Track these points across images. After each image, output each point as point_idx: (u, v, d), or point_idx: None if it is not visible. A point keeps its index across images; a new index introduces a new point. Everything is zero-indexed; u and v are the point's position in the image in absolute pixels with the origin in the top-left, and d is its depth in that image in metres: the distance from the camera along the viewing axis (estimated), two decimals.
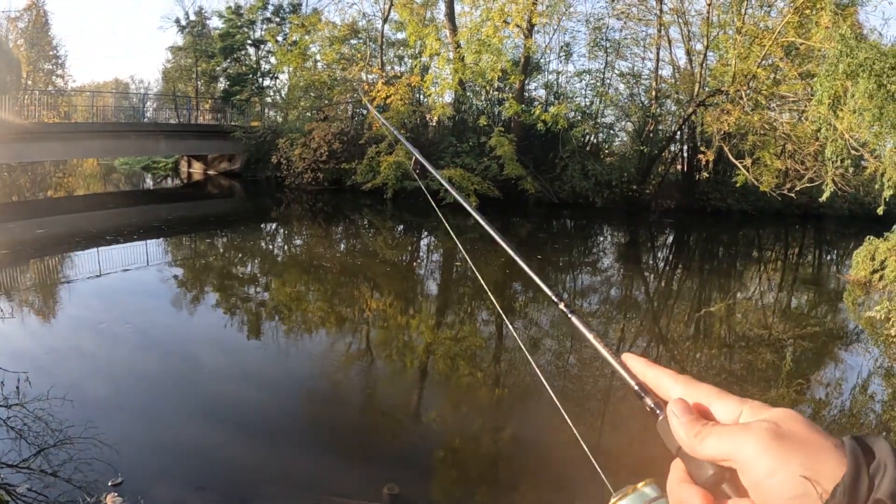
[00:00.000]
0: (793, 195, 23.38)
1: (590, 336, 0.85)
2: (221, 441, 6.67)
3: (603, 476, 0.79)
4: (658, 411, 0.72)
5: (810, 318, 13.42)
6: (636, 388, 0.75)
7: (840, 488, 0.56)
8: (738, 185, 25.57)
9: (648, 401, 0.74)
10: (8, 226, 20.92)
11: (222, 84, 45.50)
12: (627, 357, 0.78)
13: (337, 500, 5.58)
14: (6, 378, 7.37)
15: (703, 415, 0.69)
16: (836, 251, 24.24)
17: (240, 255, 18.66)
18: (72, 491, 5.33)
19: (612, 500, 0.73)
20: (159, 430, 6.82)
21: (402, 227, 25.22)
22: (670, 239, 25.73)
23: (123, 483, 5.47)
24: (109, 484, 5.43)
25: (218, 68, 45.08)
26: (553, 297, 0.95)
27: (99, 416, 6.77)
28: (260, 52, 44.44)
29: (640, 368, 0.77)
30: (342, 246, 20.80)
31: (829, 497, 0.56)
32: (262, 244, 21.00)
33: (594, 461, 0.87)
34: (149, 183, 41.06)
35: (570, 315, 0.91)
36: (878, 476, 0.57)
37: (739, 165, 24.85)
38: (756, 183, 24.30)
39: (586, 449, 0.83)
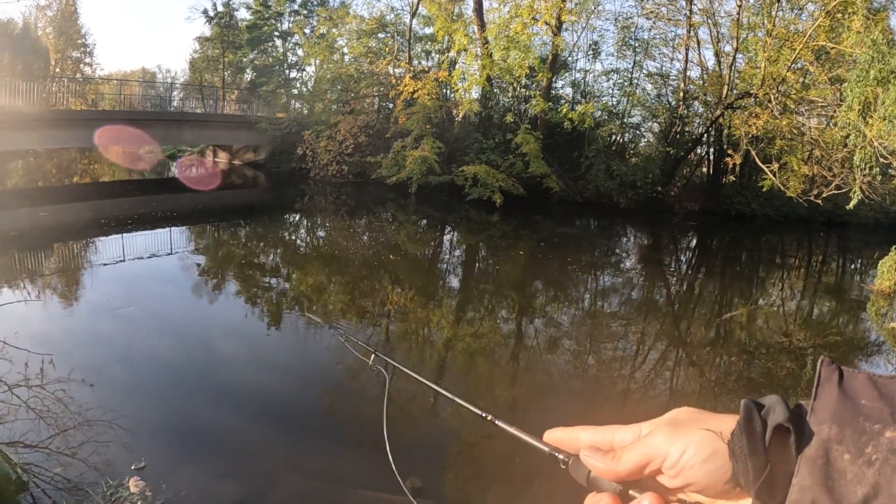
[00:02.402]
0: (819, 202, 23.15)
1: (515, 432, 1.03)
2: (243, 429, 6.72)
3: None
4: (566, 460, 0.87)
5: (832, 327, 13.26)
6: (548, 451, 0.91)
7: (737, 428, 0.70)
8: (764, 189, 25.28)
9: (560, 456, 0.88)
10: (34, 210, 21.16)
11: (249, 75, 45.79)
12: (549, 433, 0.93)
13: (358, 492, 5.59)
14: (31, 359, 7.45)
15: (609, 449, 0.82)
16: (860, 260, 23.89)
17: (262, 245, 18.77)
18: (93, 473, 5.34)
19: None
20: (181, 416, 6.89)
21: (425, 221, 25.22)
22: (693, 242, 25.52)
23: (146, 467, 5.49)
24: (132, 468, 5.45)
25: (245, 59, 45.39)
26: (478, 412, 1.18)
27: (120, 400, 6.84)
28: (287, 45, 44.64)
29: (558, 435, 0.91)
30: (364, 239, 20.85)
31: (731, 438, 0.70)
32: (285, 235, 21.11)
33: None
34: (174, 171, 41.27)
35: (497, 422, 1.11)
36: (770, 414, 0.69)
37: (766, 170, 24.60)
38: (783, 188, 24.04)
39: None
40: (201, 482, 5.44)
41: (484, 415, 1.22)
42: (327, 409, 7.44)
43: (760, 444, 0.68)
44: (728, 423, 0.73)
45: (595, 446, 0.83)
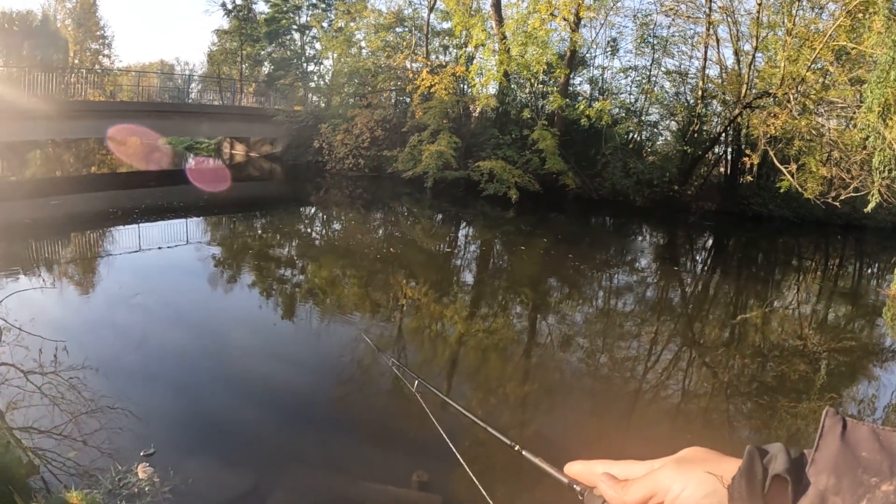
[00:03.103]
0: (836, 204, 22.86)
1: (539, 463, 1.20)
2: (252, 420, 6.80)
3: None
4: (582, 492, 0.97)
5: (847, 331, 13.16)
6: (567, 482, 1.01)
7: (738, 474, 0.74)
8: (781, 190, 24.95)
9: (577, 487, 0.98)
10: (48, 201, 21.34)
11: (266, 68, 45.99)
12: (569, 465, 1.02)
13: (365, 484, 5.62)
14: (45, 346, 7.55)
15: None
16: (876, 264, 23.60)
17: (277, 237, 18.89)
18: (103, 459, 5.44)
19: None
20: (191, 405, 6.99)
21: (440, 216, 25.24)
22: (709, 242, 25.36)
23: (155, 454, 5.59)
24: (142, 454, 5.55)
25: (263, 52, 45.57)
26: (507, 441, 1.40)
27: (132, 387, 6.96)
28: (305, 38, 44.66)
29: (577, 468, 0.99)
30: (380, 233, 20.90)
31: (731, 483, 0.74)
32: (300, 227, 21.20)
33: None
34: (191, 163, 41.44)
35: (523, 453, 1.29)
36: (772, 462, 0.73)
37: (784, 171, 24.32)
38: (800, 189, 23.76)
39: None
40: (209, 471, 5.51)
41: (512, 444, 1.41)
42: (337, 402, 7.52)
43: (759, 491, 0.72)
44: (732, 467, 0.77)
45: (610, 475, 0.91)
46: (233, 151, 43.95)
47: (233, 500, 5.24)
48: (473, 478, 1.90)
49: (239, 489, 5.37)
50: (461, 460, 2.00)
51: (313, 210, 25.08)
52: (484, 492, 1.76)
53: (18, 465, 4.77)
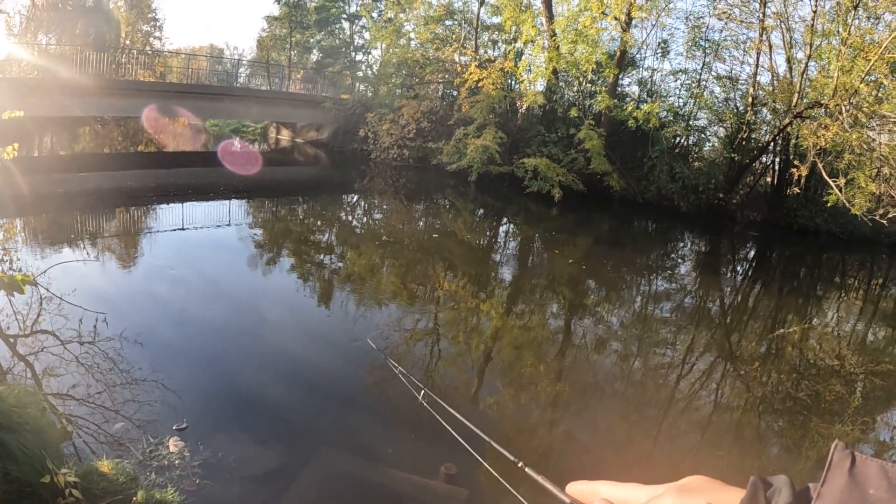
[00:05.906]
0: (884, 222, 22.30)
1: (542, 481, 1.21)
2: (285, 400, 6.99)
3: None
4: None
5: (886, 354, 12.83)
6: (567, 501, 0.99)
7: None
8: (829, 204, 24.35)
9: None
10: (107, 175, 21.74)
11: (315, 55, 46.48)
12: (571, 485, 0.99)
13: (393, 472, 5.71)
14: (85, 316, 7.85)
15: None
16: None
17: (318, 223, 19.19)
18: (136, 430, 5.62)
19: None
20: (225, 381, 7.17)
21: (482, 210, 25.28)
22: (752, 253, 24.98)
23: (188, 429, 5.74)
24: (174, 428, 5.72)
25: (312, 40, 46.16)
26: (510, 457, 1.42)
27: (169, 361, 7.19)
28: (354, 27, 45.15)
29: (579, 488, 0.96)
30: (421, 224, 20.98)
31: None
32: (342, 214, 21.47)
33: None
34: (236, 146, 41.92)
35: (526, 469, 1.27)
36: (776, 495, 0.71)
37: (832, 184, 23.78)
38: (848, 205, 23.16)
39: None
40: (239, 447, 5.63)
41: (515, 460, 1.40)
42: (369, 389, 7.59)
43: None
44: (734, 498, 0.74)
45: (609, 501, 0.88)
46: (278, 136, 44.52)
47: (261, 478, 5.34)
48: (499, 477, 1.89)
49: (267, 467, 5.48)
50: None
51: (356, 198, 25.30)
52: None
53: (52, 430, 4.93)
